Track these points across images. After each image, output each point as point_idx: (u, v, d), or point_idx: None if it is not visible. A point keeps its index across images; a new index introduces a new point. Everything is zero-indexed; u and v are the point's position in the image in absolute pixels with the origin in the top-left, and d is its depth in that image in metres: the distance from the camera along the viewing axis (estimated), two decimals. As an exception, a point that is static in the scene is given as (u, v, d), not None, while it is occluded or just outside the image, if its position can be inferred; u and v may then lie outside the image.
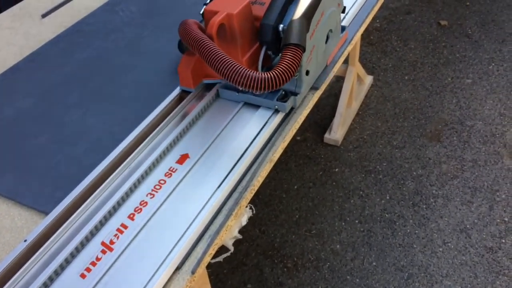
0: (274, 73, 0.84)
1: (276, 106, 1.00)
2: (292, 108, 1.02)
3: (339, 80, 2.27)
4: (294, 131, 1.02)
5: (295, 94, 1.00)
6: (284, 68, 0.85)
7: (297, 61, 0.87)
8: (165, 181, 0.88)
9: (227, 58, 0.82)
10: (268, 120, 1.00)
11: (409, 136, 2.08)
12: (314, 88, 1.09)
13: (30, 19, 1.47)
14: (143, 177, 0.89)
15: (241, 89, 0.85)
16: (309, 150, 2.09)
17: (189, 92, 1.06)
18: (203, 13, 0.97)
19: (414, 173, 1.91)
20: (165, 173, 0.90)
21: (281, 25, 0.93)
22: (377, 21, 2.77)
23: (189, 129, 1.00)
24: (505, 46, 2.48)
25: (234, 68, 0.81)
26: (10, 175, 0.96)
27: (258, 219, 1.82)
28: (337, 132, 2.09)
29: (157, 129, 0.99)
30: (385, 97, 2.29)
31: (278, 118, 1.00)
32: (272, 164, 0.94)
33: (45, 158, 0.99)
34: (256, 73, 0.82)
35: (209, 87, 1.07)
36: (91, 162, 0.93)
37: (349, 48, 1.21)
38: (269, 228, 1.79)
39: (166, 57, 1.25)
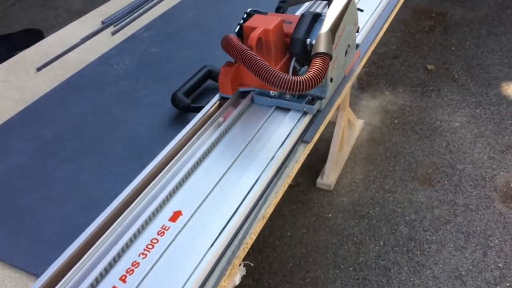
0: (308, 76, 0.98)
1: (305, 109, 1.15)
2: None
3: (330, 124, 2.30)
4: (286, 185, 1.03)
5: (321, 98, 1.16)
6: (316, 72, 1.00)
7: (326, 67, 1.03)
8: (157, 240, 0.88)
9: (267, 65, 0.97)
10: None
11: (401, 180, 2.09)
12: (305, 142, 1.11)
13: (25, 72, 1.50)
14: (135, 236, 0.89)
15: (272, 94, 1.13)
16: (302, 195, 2.09)
17: (227, 99, 1.20)
18: (238, 30, 1.14)
19: (407, 218, 1.92)
20: (158, 232, 0.90)
21: (308, 39, 1.10)
22: (366, 65, 2.84)
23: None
24: (491, 90, 2.54)
25: (275, 73, 0.97)
26: (1, 235, 0.95)
27: (252, 267, 1.80)
28: (329, 177, 2.10)
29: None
30: (376, 140, 2.32)
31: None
32: (265, 220, 0.94)
33: (37, 216, 0.98)
34: (293, 77, 0.96)
35: (243, 94, 1.21)
36: (84, 221, 0.93)
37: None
38: (263, 277, 1.77)
39: (160, 110, 1.27)
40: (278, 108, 1.18)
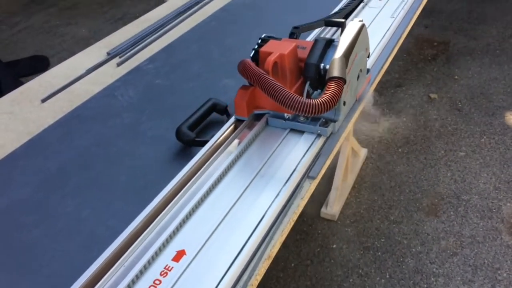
0: (323, 99, 1.01)
1: (319, 131, 1.18)
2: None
3: (334, 153, 2.30)
4: (292, 223, 1.01)
5: (334, 121, 1.19)
6: (331, 95, 1.02)
7: (340, 90, 1.05)
8: (160, 281, 0.86)
9: (284, 89, 1.00)
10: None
11: (406, 211, 2.07)
12: (311, 177, 1.10)
13: (29, 104, 1.50)
14: (137, 277, 0.87)
15: (287, 117, 1.16)
16: (305, 225, 2.07)
17: (242, 121, 1.21)
18: (253, 55, 1.17)
19: (413, 249, 1.89)
20: (161, 272, 0.88)
21: (322, 64, 1.13)
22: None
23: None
24: (495, 119, 2.54)
25: (292, 97, 0.98)
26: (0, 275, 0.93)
27: (255, 300, 1.76)
28: (333, 207, 2.08)
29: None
30: (380, 170, 2.31)
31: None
32: (270, 260, 0.92)
33: (38, 254, 0.96)
34: (309, 100, 0.99)
35: (258, 117, 1.23)
36: (85, 259, 0.91)
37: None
38: (267, 311, 1.73)
39: (164, 143, 1.26)
40: (292, 130, 1.21)
